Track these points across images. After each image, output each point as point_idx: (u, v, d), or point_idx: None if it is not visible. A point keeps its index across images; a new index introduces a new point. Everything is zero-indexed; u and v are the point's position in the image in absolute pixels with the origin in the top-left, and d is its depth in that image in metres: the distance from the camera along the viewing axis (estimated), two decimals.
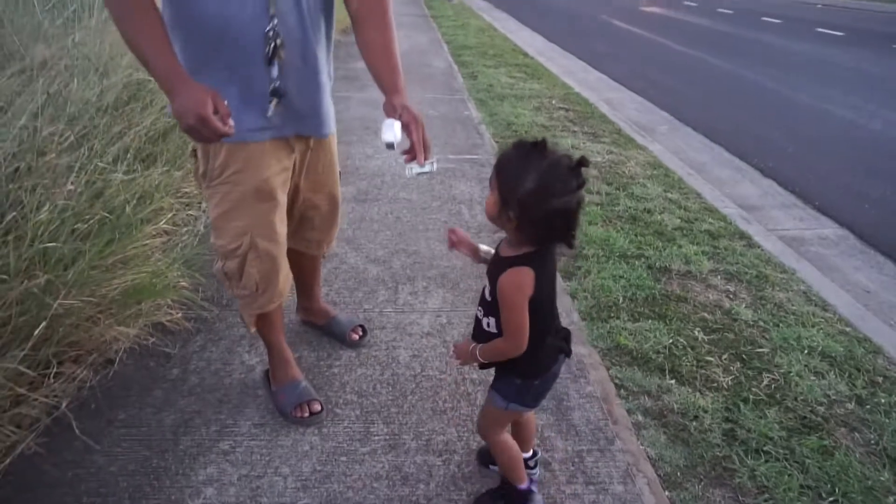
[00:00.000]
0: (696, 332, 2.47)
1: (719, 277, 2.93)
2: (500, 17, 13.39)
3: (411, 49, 8.27)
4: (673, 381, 2.19)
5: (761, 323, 2.57)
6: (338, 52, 1.86)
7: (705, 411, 2.05)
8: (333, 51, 1.71)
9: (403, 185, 3.73)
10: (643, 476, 1.76)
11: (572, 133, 5.11)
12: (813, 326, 2.56)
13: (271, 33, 1.42)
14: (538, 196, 1.17)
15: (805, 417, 2.06)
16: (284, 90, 1.51)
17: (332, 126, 1.73)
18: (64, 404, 1.83)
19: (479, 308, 1.43)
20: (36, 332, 1.77)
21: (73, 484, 1.63)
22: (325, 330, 2.29)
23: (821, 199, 4.26)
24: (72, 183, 2.18)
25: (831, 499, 1.76)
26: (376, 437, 1.84)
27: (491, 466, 1.73)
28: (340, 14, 1.70)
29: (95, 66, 3.10)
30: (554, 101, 6.11)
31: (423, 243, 3.02)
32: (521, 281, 1.26)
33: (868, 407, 2.14)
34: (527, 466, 1.65)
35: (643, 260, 3.02)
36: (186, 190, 3.12)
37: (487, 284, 1.37)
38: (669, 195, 3.89)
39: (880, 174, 4.92)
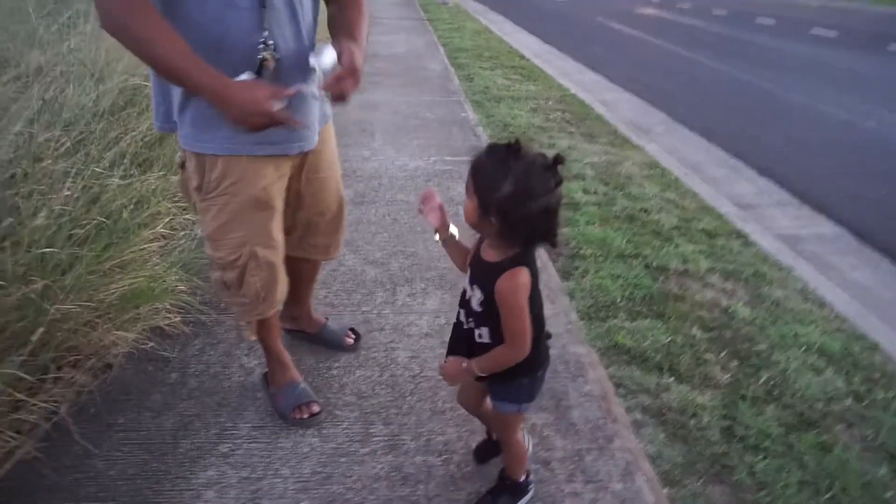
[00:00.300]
0: (694, 331, 2.48)
1: (717, 276, 2.94)
2: (495, 20, 13.42)
3: (408, 52, 8.29)
4: (671, 380, 2.19)
5: (759, 321, 2.58)
6: None
7: (704, 409, 2.06)
8: None
9: (401, 187, 3.74)
10: (642, 474, 1.76)
11: (569, 134, 5.13)
12: (810, 324, 2.57)
13: (261, 46, 1.41)
14: (518, 199, 1.16)
15: (803, 414, 2.07)
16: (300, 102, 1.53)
17: (318, 131, 1.68)
18: (63, 409, 1.83)
19: (467, 320, 1.39)
20: (34, 337, 1.77)
21: (73, 489, 1.63)
22: (317, 339, 2.24)
23: (817, 198, 4.28)
24: (68, 188, 2.19)
25: (829, 494, 1.76)
26: (376, 438, 1.85)
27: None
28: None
29: (91, 72, 3.11)
30: (550, 103, 6.13)
31: (420, 245, 3.02)
32: (521, 282, 1.25)
33: (865, 403, 2.15)
34: (495, 452, 1.71)
35: (641, 259, 3.03)
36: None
37: (475, 294, 1.34)
38: (666, 195, 3.90)
39: (875, 173, 4.94)
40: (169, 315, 2.27)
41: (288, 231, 1.77)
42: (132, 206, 2.45)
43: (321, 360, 2.19)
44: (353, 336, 2.26)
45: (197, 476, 1.68)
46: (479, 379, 1.40)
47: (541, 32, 11.86)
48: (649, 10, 17.80)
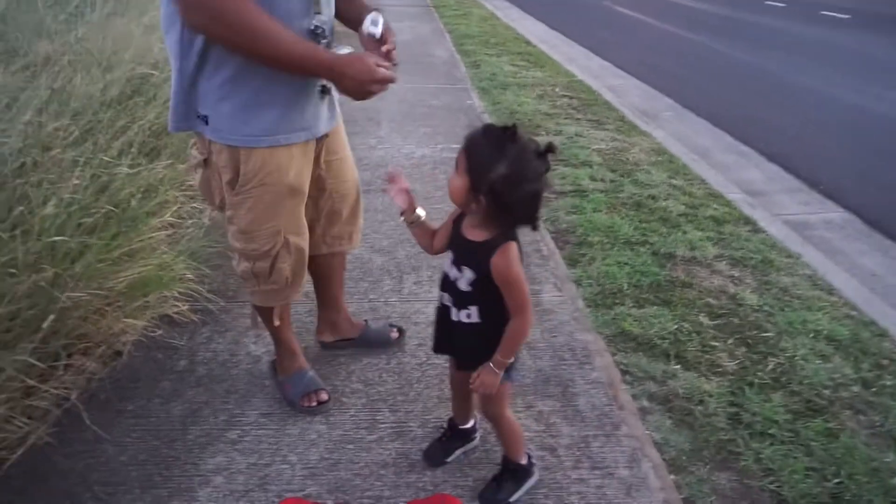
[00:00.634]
0: (702, 318, 2.48)
1: (724, 263, 2.93)
2: (501, 6, 13.29)
3: (413, 39, 8.24)
4: (678, 367, 2.19)
5: (766, 307, 2.57)
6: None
7: (710, 396, 2.06)
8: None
9: (407, 175, 3.70)
10: (649, 460, 1.77)
11: (576, 121, 5.09)
12: (818, 310, 2.56)
13: (318, 30, 1.45)
14: (511, 182, 1.20)
15: (810, 401, 2.06)
16: (329, 87, 1.55)
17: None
18: (74, 396, 1.86)
19: (452, 308, 1.42)
20: (45, 324, 1.78)
21: (85, 473, 1.66)
22: (361, 342, 2.18)
23: (826, 183, 4.24)
24: (77, 177, 2.20)
25: (836, 480, 1.76)
26: (383, 425, 1.86)
27: (448, 459, 1.74)
28: None
29: (98, 61, 3.11)
30: (557, 89, 6.08)
31: None
32: (514, 255, 1.30)
33: (874, 389, 2.14)
34: (469, 437, 1.75)
35: (648, 246, 3.01)
36: (191, 183, 3.13)
37: (463, 275, 1.36)
38: (674, 181, 3.88)
39: (886, 157, 4.89)
40: (177, 303, 2.29)
41: (311, 226, 1.76)
42: (140, 195, 2.46)
43: (328, 347, 2.19)
44: (395, 332, 2.24)
45: (206, 462, 1.70)
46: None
47: (547, 18, 11.74)
48: None
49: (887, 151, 5.03)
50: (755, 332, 2.41)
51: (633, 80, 7.11)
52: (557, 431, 1.86)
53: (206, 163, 1.59)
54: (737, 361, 2.24)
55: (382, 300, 2.49)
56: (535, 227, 1.30)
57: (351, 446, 1.78)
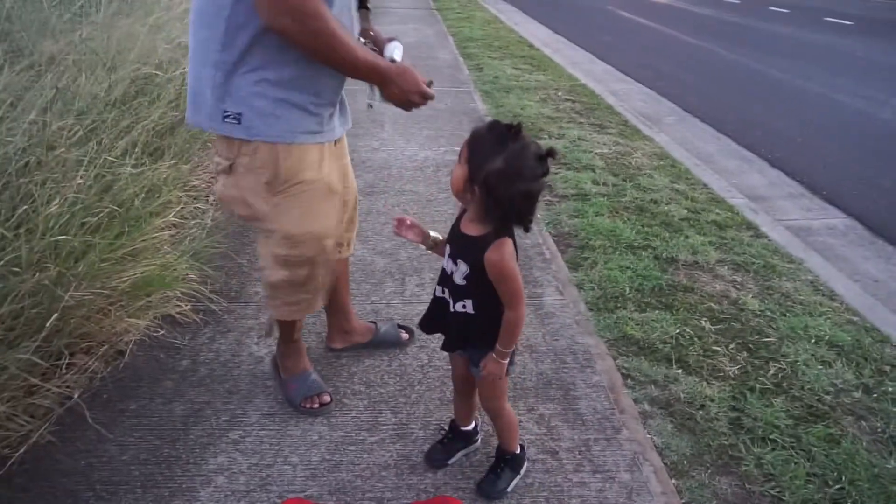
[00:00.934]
0: (703, 322, 2.47)
1: (726, 268, 2.93)
2: (505, 9, 13.31)
3: (417, 42, 8.25)
4: (680, 371, 2.19)
5: (768, 313, 2.57)
6: None
7: (712, 400, 2.05)
8: None
9: (410, 177, 3.74)
10: (650, 464, 1.77)
11: (578, 124, 5.10)
12: (820, 316, 2.56)
13: (361, 40, 1.52)
14: (505, 177, 1.22)
15: (812, 406, 2.06)
16: (373, 103, 1.60)
17: None
18: (76, 394, 1.86)
19: (450, 300, 1.46)
20: (48, 323, 1.79)
21: (87, 472, 1.66)
22: (372, 345, 2.18)
23: (829, 189, 4.24)
24: (81, 177, 2.21)
25: (837, 486, 1.76)
26: (384, 427, 1.86)
27: (449, 461, 1.74)
28: None
29: (103, 61, 3.12)
30: (560, 93, 6.09)
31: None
32: (509, 250, 1.32)
33: (875, 395, 2.14)
34: (471, 439, 1.76)
35: (650, 251, 3.02)
36: (194, 183, 3.14)
37: (459, 269, 1.39)
38: (676, 186, 3.88)
39: (890, 163, 4.88)
40: (180, 303, 2.30)
41: None
42: (144, 195, 2.47)
43: (330, 348, 2.20)
44: (405, 332, 2.25)
45: (207, 462, 1.71)
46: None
47: (551, 22, 11.76)
48: None
49: (890, 157, 5.03)
50: (757, 337, 2.41)
51: (636, 85, 7.11)
52: (558, 435, 1.86)
53: (231, 168, 1.50)
54: (738, 366, 2.24)
55: (384, 302, 2.49)
56: (526, 229, 1.34)
57: (352, 448, 1.78)
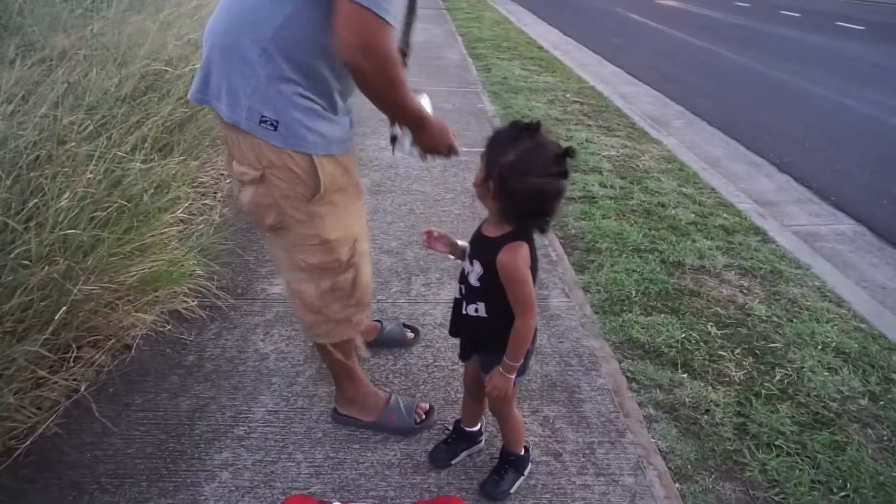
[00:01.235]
0: (709, 327, 2.47)
1: (733, 272, 2.92)
2: (515, 10, 13.31)
3: (426, 42, 8.25)
4: (685, 375, 2.19)
5: (775, 318, 2.56)
6: None
7: (717, 405, 2.05)
8: None
9: (417, 177, 3.74)
10: (654, 468, 1.76)
11: (586, 127, 5.09)
12: (827, 322, 2.55)
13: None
14: (516, 170, 1.23)
15: (817, 413, 2.05)
16: (396, 137, 1.63)
17: None
18: (83, 387, 1.88)
19: (463, 301, 1.45)
20: (56, 316, 1.80)
21: (92, 465, 1.67)
22: (377, 344, 2.17)
23: (837, 195, 4.22)
24: (91, 171, 2.22)
25: (842, 494, 1.75)
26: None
27: (453, 462, 1.75)
28: None
29: (114, 56, 3.14)
30: (568, 95, 6.08)
31: None
32: (522, 254, 1.31)
33: (882, 403, 2.13)
34: (476, 440, 1.76)
35: (657, 254, 3.01)
36: (202, 180, 3.16)
37: (474, 269, 1.39)
38: (684, 189, 3.87)
39: None
40: (187, 299, 2.31)
41: None
42: (153, 191, 2.48)
43: None
44: (410, 332, 2.25)
45: (212, 457, 1.71)
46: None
47: (560, 23, 11.75)
48: (670, 1, 17.58)
49: None
50: (763, 342, 2.40)
51: (645, 87, 7.10)
52: (563, 437, 1.86)
53: (262, 178, 1.43)
54: (744, 371, 2.23)
55: (390, 301, 2.50)
56: (543, 231, 1.33)
57: (356, 446, 1.78)
